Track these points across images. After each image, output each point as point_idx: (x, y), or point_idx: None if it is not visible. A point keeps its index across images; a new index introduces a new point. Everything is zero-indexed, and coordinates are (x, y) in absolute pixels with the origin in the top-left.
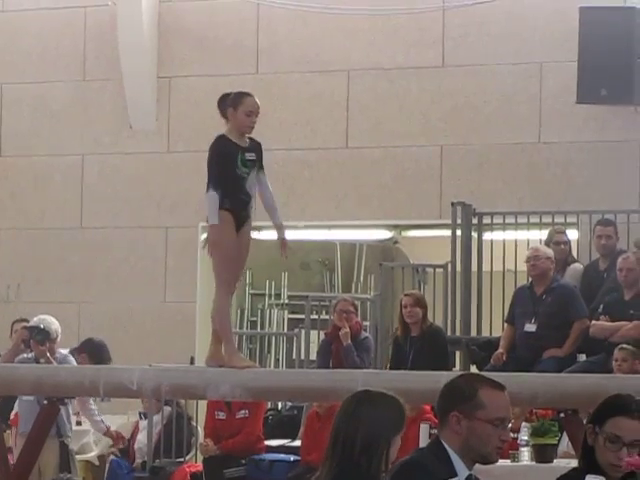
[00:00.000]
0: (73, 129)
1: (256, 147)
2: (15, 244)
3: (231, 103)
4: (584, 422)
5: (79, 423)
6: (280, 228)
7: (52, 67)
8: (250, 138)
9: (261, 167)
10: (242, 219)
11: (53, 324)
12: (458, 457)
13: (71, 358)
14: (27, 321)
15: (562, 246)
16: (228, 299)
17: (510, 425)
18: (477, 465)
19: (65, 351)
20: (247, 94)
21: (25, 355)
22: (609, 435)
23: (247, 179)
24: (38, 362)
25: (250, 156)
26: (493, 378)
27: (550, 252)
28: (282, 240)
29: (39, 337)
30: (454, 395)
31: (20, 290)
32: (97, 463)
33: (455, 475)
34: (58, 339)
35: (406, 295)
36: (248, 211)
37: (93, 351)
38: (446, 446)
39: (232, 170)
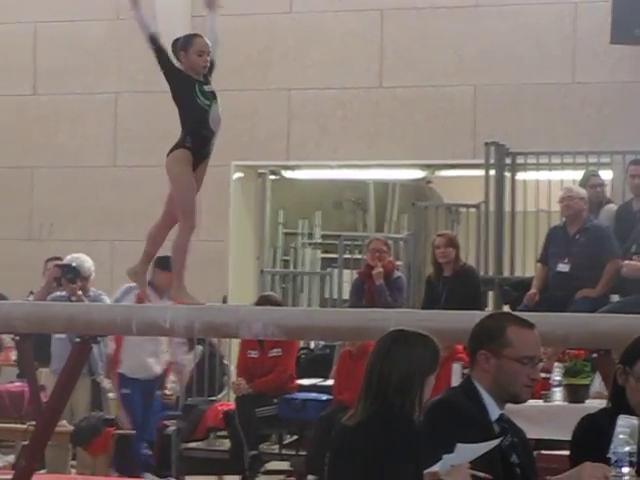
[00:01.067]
0: (107, 67)
1: (211, 84)
2: (48, 183)
3: (181, 46)
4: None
5: None
6: None
7: (86, 5)
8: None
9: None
10: (202, 156)
11: (86, 262)
12: (489, 396)
13: (104, 297)
14: (60, 259)
15: (598, 189)
16: (189, 234)
17: (542, 365)
18: (509, 405)
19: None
20: (196, 35)
21: (58, 293)
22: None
23: (209, 112)
24: (70, 300)
25: (208, 88)
26: (524, 317)
27: (583, 192)
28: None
29: (70, 275)
30: (482, 334)
31: (53, 229)
32: None
33: (487, 414)
34: (91, 277)
35: (439, 235)
36: (208, 148)
37: None
38: (477, 385)
39: (193, 101)
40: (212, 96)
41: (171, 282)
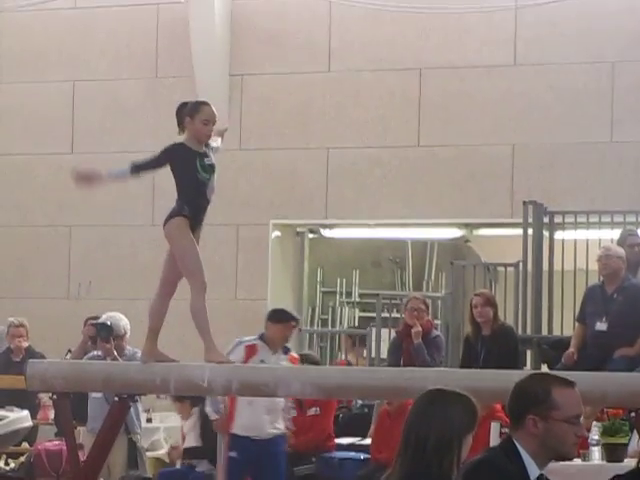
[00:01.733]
0: (145, 126)
1: (213, 151)
2: (86, 241)
3: (188, 112)
4: None
5: (149, 420)
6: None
7: (124, 64)
8: (210, 146)
9: None
10: (196, 224)
11: (121, 320)
12: (530, 457)
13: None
14: (98, 318)
15: (636, 248)
16: (202, 294)
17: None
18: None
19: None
20: (204, 103)
21: (95, 352)
22: None
23: (207, 184)
24: (105, 359)
25: (209, 161)
26: (564, 376)
27: (621, 251)
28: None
29: (104, 334)
30: (527, 397)
31: (91, 287)
32: (167, 460)
33: (527, 475)
34: (127, 335)
35: (476, 295)
36: (203, 216)
37: None
38: (518, 446)
39: (193, 176)
40: (211, 169)
41: (284, 334)
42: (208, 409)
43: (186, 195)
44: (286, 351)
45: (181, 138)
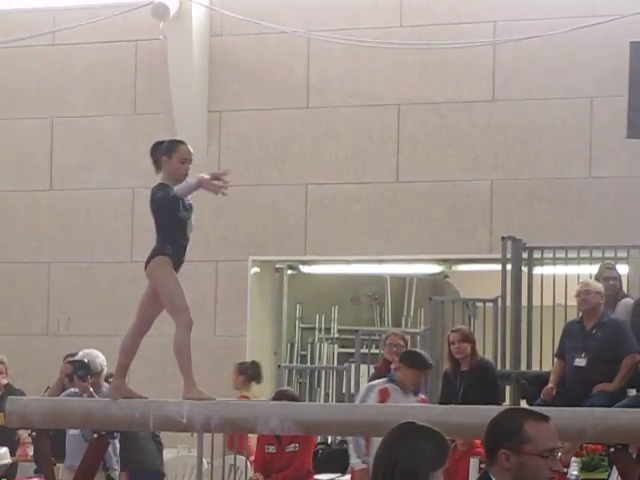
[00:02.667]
0: (124, 163)
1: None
2: (65, 278)
3: (165, 151)
4: (634, 457)
5: None
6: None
7: (103, 101)
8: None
9: None
10: (179, 263)
11: (98, 357)
12: None
13: None
14: (75, 355)
15: (612, 282)
16: (187, 331)
17: (559, 456)
18: None
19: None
20: (180, 142)
21: (72, 390)
22: None
23: (187, 224)
24: (82, 397)
25: (188, 200)
26: (539, 411)
27: (600, 287)
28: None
29: (81, 372)
30: (500, 432)
31: (70, 324)
32: None
33: None
34: (104, 372)
35: (453, 331)
36: (184, 256)
37: None
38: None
39: (175, 216)
40: (190, 208)
41: (417, 380)
42: (353, 460)
43: (167, 234)
44: (416, 393)
45: (158, 178)
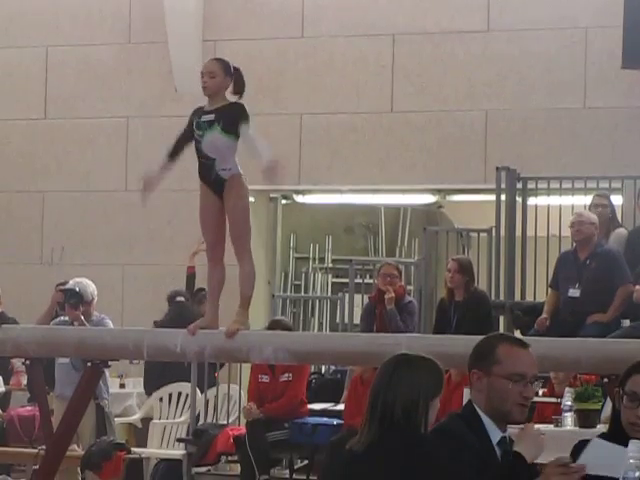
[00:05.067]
0: (118, 92)
1: (227, 110)
2: (60, 207)
3: None
4: None
5: (122, 386)
6: (262, 158)
7: (97, 30)
8: (229, 103)
9: (241, 121)
10: (214, 183)
11: (89, 287)
12: (489, 419)
13: (107, 320)
14: (66, 284)
15: (600, 209)
16: (211, 265)
17: (539, 385)
18: (517, 429)
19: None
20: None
21: (61, 318)
22: (628, 393)
23: (202, 141)
24: (72, 325)
25: (206, 117)
26: (525, 340)
27: (594, 217)
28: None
29: (73, 300)
30: (475, 353)
31: (64, 253)
32: (140, 426)
33: (488, 439)
34: (94, 302)
35: (452, 259)
36: (214, 173)
37: None
38: (477, 408)
39: (192, 136)
40: (207, 125)
41: None
42: None
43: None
44: None
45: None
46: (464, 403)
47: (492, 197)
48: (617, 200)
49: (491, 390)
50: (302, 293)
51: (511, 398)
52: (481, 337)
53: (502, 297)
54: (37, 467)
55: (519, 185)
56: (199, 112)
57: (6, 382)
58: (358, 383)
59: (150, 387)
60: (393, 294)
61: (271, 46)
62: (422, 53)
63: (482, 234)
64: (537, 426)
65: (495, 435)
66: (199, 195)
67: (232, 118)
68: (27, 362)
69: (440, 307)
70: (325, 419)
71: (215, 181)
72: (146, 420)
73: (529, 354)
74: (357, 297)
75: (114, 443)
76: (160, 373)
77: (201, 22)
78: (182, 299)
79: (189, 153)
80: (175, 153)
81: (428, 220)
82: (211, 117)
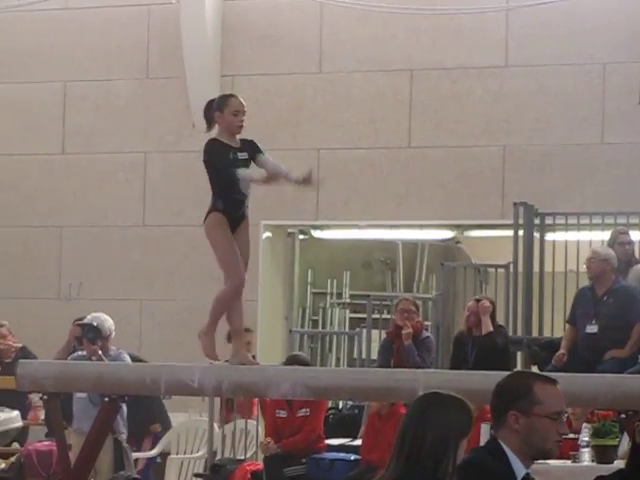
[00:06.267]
0: (136, 127)
1: (248, 146)
2: (78, 242)
3: (217, 107)
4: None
5: None
6: (291, 174)
7: (115, 65)
8: (242, 139)
9: (260, 153)
10: (237, 219)
11: (106, 322)
12: (515, 456)
13: (125, 355)
14: (84, 319)
15: (626, 247)
16: (231, 291)
17: (567, 417)
18: (537, 466)
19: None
20: (231, 95)
21: (79, 353)
22: None
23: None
24: (90, 360)
25: (242, 155)
26: (547, 375)
27: (608, 254)
28: (302, 178)
29: (90, 335)
30: (509, 394)
31: (82, 288)
32: (158, 461)
33: (513, 474)
34: (112, 336)
35: (476, 299)
36: (244, 210)
37: None
38: (503, 445)
39: (226, 170)
40: (243, 163)
41: None
42: None
43: (220, 190)
44: None
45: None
46: (481, 438)
47: (510, 232)
48: (635, 236)
49: (531, 430)
50: (320, 328)
51: (552, 436)
52: (499, 373)
53: (520, 333)
54: None
55: (537, 220)
56: (228, 148)
57: (24, 417)
58: (375, 418)
59: (166, 422)
60: (411, 329)
61: (289, 81)
62: (440, 88)
63: (500, 269)
64: (555, 462)
65: (520, 471)
66: (216, 224)
67: (252, 154)
68: (45, 397)
69: (457, 341)
70: (342, 454)
71: (240, 217)
72: (164, 455)
73: (559, 390)
74: (375, 332)
75: (132, 478)
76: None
77: (219, 57)
78: None
79: (206, 188)
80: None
81: (446, 255)
82: (245, 155)
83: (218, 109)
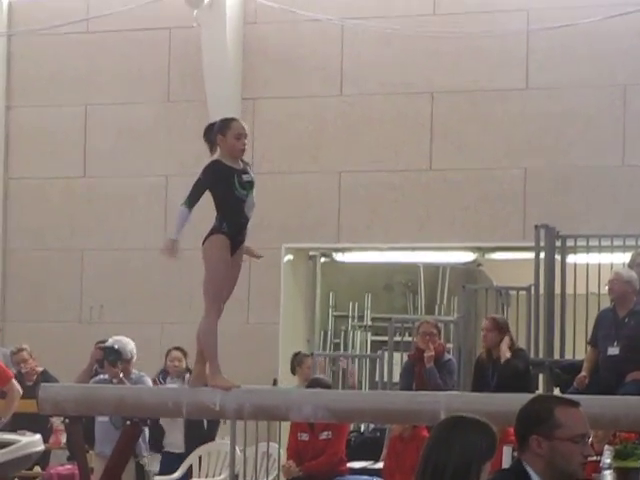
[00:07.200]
0: (157, 150)
1: (248, 169)
2: (99, 265)
3: (219, 130)
4: None
5: None
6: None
7: (136, 88)
8: (241, 160)
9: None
10: (238, 243)
11: (128, 345)
12: (540, 479)
13: (147, 378)
14: (106, 342)
15: None
16: (216, 319)
17: (590, 441)
18: None
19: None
20: (233, 119)
21: (101, 376)
22: None
23: (246, 201)
24: (112, 383)
25: (247, 177)
26: (568, 397)
27: (630, 276)
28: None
29: (112, 358)
30: (531, 418)
31: (103, 311)
32: None
33: None
34: (133, 360)
35: (486, 319)
36: (244, 235)
37: None
38: (528, 468)
39: (231, 193)
40: (249, 185)
41: None
42: None
43: (224, 212)
44: None
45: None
46: (504, 460)
47: (531, 255)
48: None
49: (555, 453)
50: (341, 351)
51: (575, 459)
52: (520, 395)
53: (541, 355)
54: None
55: (558, 243)
56: (233, 170)
57: (45, 440)
58: (397, 441)
59: (190, 445)
60: (432, 352)
61: (310, 104)
62: (461, 111)
63: (521, 292)
64: None
65: None
66: (218, 246)
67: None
68: (66, 420)
69: (478, 365)
70: (365, 477)
71: (240, 241)
72: (186, 478)
73: (582, 412)
74: (396, 355)
75: None
76: (199, 431)
77: (240, 80)
78: None
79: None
80: (194, 202)
81: (467, 278)
82: (250, 177)
83: (220, 132)
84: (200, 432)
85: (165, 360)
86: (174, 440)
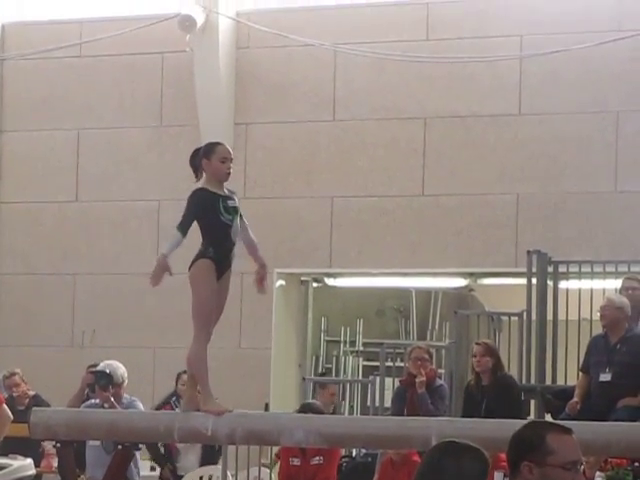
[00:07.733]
0: (149, 175)
1: (233, 195)
2: (91, 289)
3: (204, 154)
4: None
5: (153, 468)
6: (263, 265)
7: (129, 113)
8: (227, 188)
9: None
10: (224, 267)
11: (119, 369)
12: None
13: (138, 403)
14: (97, 366)
15: (630, 291)
16: (205, 344)
17: (582, 468)
18: None
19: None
20: (218, 143)
21: (92, 401)
22: None
23: (232, 226)
24: (103, 407)
25: (232, 203)
26: (561, 424)
27: (622, 302)
28: (262, 275)
29: (103, 382)
30: (522, 444)
31: (95, 335)
32: None
33: None
34: (124, 384)
35: (477, 344)
36: (230, 259)
37: None
38: None
39: (216, 218)
40: (234, 210)
41: None
42: None
43: (210, 238)
44: None
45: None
46: None
47: (523, 280)
48: None
49: None
50: (333, 376)
51: None
52: (512, 421)
53: (533, 381)
54: None
55: (550, 269)
56: (217, 196)
57: (37, 465)
58: (389, 466)
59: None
60: (424, 377)
61: (302, 129)
62: (453, 136)
63: (513, 317)
64: None
65: None
66: (205, 271)
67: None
68: (58, 445)
69: (467, 391)
70: None
71: (227, 266)
72: None
73: (574, 439)
74: (388, 380)
75: None
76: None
77: (232, 105)
78: None
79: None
80: (187, 228)
81: (459, 303)
82: (234, 203)
83: (205, 156)
84: (212, 454)
85: (176, 384)
86: (187, 463)
